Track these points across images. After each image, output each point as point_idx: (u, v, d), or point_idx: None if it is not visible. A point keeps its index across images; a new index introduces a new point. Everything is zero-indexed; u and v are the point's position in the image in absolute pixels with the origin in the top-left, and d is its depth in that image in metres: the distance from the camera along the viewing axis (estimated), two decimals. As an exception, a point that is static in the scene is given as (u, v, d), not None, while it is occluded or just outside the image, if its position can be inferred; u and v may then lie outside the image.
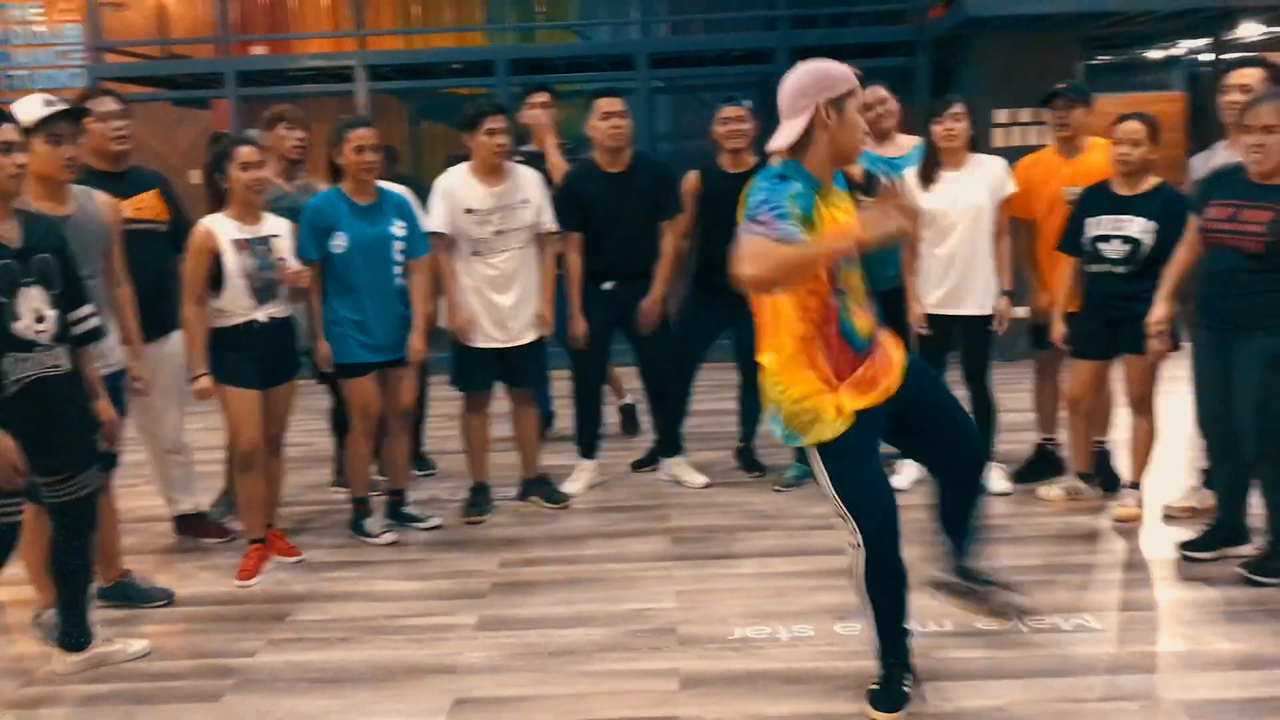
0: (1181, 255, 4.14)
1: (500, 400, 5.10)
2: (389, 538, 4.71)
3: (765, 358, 3.04)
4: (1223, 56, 9.07)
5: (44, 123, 3.60)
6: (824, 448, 2.97)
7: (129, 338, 4.03)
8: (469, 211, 4.75)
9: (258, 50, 9.70)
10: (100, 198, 3.94)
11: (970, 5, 7.27)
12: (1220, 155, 4.45)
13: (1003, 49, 7.86)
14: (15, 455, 3.09)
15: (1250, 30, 8.94)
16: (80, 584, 3.58)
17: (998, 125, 7.89)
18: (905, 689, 3.12)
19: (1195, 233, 4.07)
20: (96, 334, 3.50)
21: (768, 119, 5.34)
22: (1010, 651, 3.47)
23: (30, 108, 3.62)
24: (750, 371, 5.50)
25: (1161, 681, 3.24)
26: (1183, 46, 10.01)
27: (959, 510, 3.27)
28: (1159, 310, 4.24)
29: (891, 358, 3.06)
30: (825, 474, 3.01)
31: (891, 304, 5.11)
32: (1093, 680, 3.27)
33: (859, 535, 2.99)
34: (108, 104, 4.33)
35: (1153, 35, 9.34)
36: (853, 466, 2.98)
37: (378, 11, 9.57)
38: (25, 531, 3.61)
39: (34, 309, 3.20)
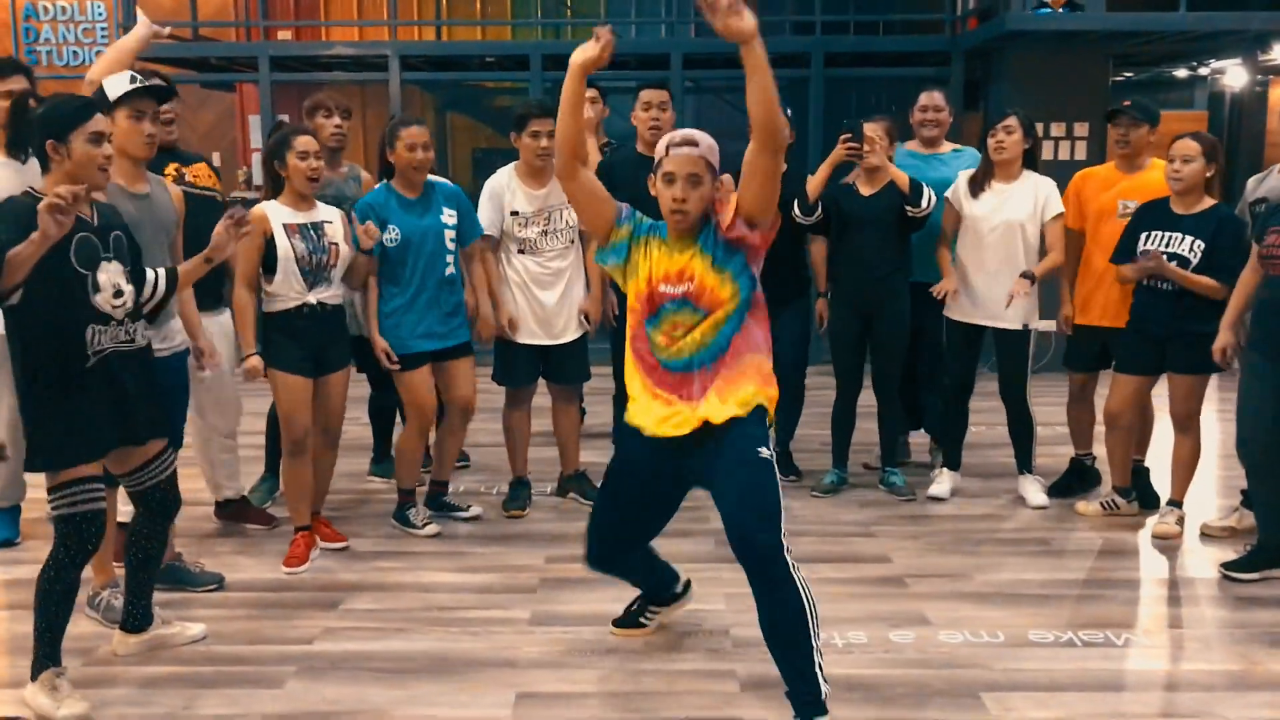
0: (1246, 279, 4.18)
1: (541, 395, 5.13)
2: (432, 529, 4.73)
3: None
4: (1256, 78, 9.13)
5: (127, 98, 3.62)
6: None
7: (189, 326, 4.04)
8: (514, 214, 4.79)
9: (284, 35, 9.70)
10: (172, 188, 3.97)
11: (1009, 19, 7.31)
12: (1274, 178, 4.49)
13: (1035, 63, 7.90)
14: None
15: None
16: (153, 569, 3.61)
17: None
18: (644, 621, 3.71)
19: (1257, 258, 4.12)
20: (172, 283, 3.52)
21: (800, 124, 5.44)
22: (1066, 665, 3.50)
23: (118, 84, 3.64)
24: (786, 374, 5.53)
25: (1219, 700, 3.27)
26: (1209, 66, 10.05)
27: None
28: (1223, 336, 4.26)
29: (701, 407, 3.12)
30: None
31: (919, 300, 5.19)
32: (1150, 696, 3.31)
33: None
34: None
35: (1184, 54, 9.40)
36: (606, 478, 3.44)
37: (410, 3, 9.57)
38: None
39: (114, 283, 3.22)
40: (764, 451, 3.08)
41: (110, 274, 3.21)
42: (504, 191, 4.82)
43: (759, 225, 3.10)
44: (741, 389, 3.10)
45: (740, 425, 3.09)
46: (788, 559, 2.91)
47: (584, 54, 3.03)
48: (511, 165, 4.89)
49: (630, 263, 3.24)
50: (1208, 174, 4.49)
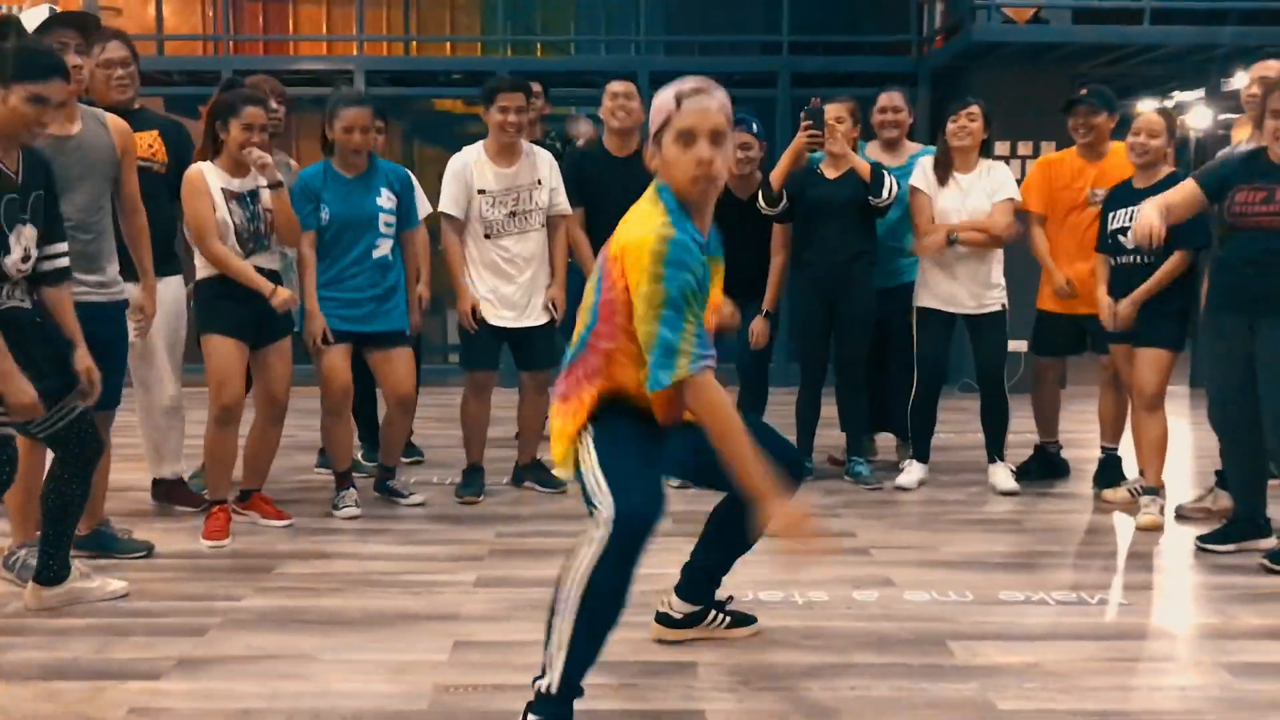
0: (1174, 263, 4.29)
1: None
2: (350, 512, 4.50)
3: None
4: (1219, 118, 9.20)
5: (45, 27, 3.48)
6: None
7: (141, 269, 3.87)
8: (481, 192, 4.66)
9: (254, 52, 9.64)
10: (113, 121, 3.79)
11: (975, 32, 7.32)
12: (1241, 147, 4.45)
13: (1002, 83, 7.88)
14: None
15: (1242, 82, 9.07)
16: (72, 518, 3.39)
17: (997, 158, 7.89)
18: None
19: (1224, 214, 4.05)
20: (66, 272, 3.29)
21: (768, 139, 5.35)
22: (1038, 619, 3.33)
23: (35, 16, 3.51)
24: (748, 369, 5.36)
25: (1198, 646, 3.11)
26: (1173, 100, 10.14)
27: (730, 547, 3.04)
28: (1128, 307, 4.37)
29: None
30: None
31: (897, 299, 5.08)
32: (1126, 644, 3.14)
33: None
34: (114, 50, 4.20)
35: (1147, 82, 9.47)
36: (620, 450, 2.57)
37: (376, 20, 9.55)
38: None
39: (25, 246, 3.07)
40: None
41: (23, 237, 3.07)
42: (469, 169, 4.68)
43: None
44: None
45: None
46: None
47: None
48: (479, 143, 4.77)
49: None
50: (1167, 150, 4.52)
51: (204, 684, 2.82)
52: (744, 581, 3.59)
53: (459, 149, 4.88)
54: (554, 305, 4.82)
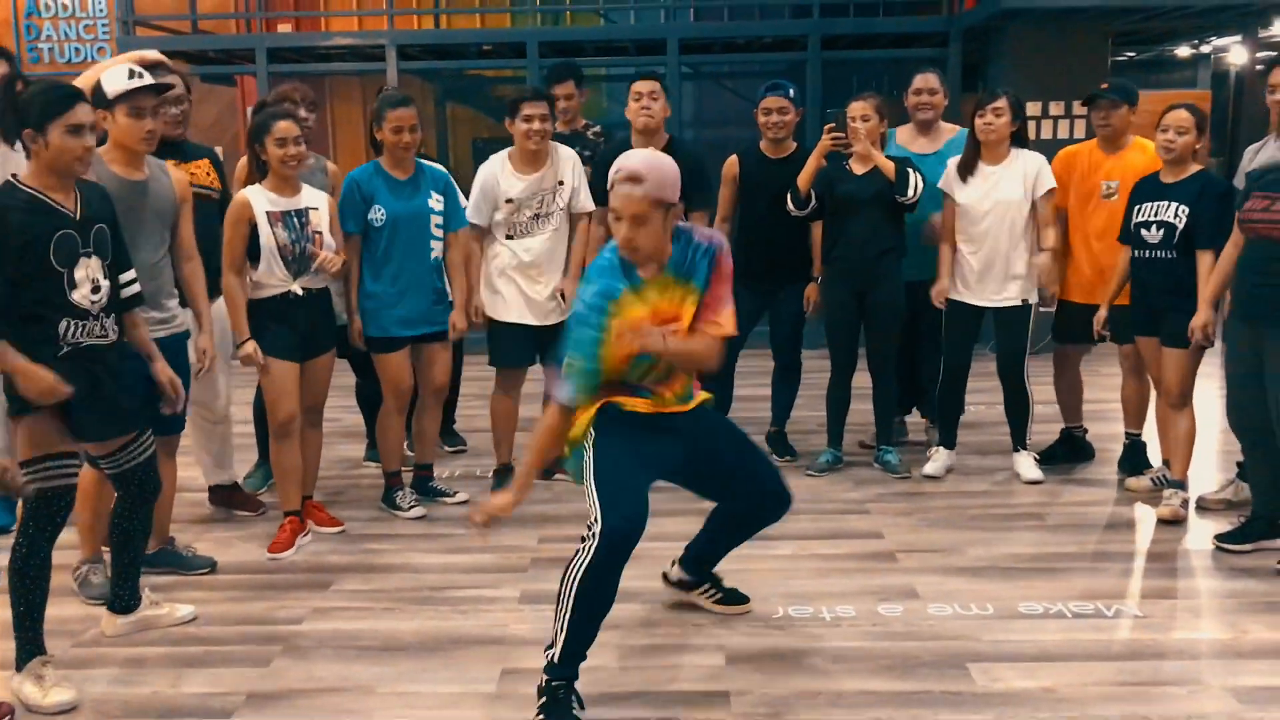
0: (1229, 254, 4.17)
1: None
2: (418, 511, 4.75)
3: None
4: (1257, 55, 9.06)
5: (128, 95, 3.62)
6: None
7: (198, 314, 4.04)
8: (509, 201, 4.78)
9: (285, 28, 9.71)
10: (174, 172, 3.97)
11: (1005, -4, 7.26)
12: (1270, 148, 4.47)
13: (1034, 42, 7.85)
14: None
15: (1281, 30, 8.94)
16: (136, 550, 3.61)
17: (1029, 118, 7.86)
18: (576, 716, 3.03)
19: (1238, 229, 4.10)
20: (139, 299, 3.47)
21: (799, 105, 5.41)
22: (1055, 636, 3.48)
23: (116, 79, 3.63)
24: (785, 356, 5.53)
25: (1208, 668, 3.26)
26: (1210, 44, 9.99)
27: (733, 539, 3.66)
28: (1203, 313, 4.28)
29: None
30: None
31: (918, 295, 5.17)
32: (1138, 665, 3.29)
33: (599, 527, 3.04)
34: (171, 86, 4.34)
35: (1183, 32, 9.34)
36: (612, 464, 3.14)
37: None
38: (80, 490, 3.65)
39: (92, 279, 3.20)
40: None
41: (89, 270, 3.19)
42: (496, 181, 4.79)
43: None
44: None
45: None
46: None
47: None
48: (505, 151, 4.87)
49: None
50: (1196, 146, 4.51)
51: (272, 721, 3.05)
52: (773, 595, 3.81)
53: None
54: (562, 296, 4.90)
